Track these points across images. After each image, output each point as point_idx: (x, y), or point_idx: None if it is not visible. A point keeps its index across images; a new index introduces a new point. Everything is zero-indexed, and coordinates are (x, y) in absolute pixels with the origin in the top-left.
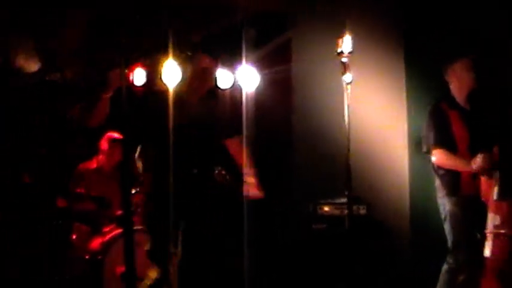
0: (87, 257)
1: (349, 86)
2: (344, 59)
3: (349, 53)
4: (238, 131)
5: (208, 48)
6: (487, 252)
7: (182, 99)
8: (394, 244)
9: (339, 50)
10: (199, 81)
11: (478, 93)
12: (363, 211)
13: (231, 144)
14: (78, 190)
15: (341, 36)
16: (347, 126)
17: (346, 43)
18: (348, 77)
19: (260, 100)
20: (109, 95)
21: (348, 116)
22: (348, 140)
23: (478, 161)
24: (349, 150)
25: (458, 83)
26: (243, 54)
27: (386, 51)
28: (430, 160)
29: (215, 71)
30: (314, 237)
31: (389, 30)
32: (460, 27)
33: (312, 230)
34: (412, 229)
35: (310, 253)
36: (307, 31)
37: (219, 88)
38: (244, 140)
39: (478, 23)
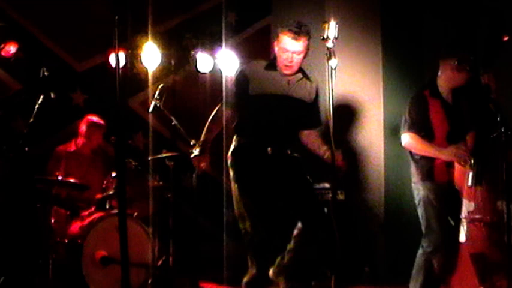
0: (66, 241)
1: (334, 72)
2: (329, 45)
3: (335, 38)
4: None
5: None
6: (463, 237)
7: None
8: (370, 229)
9: (324, 35)
10: None
11: (460, 88)
12: (341, 196)
13: None
14: (57, 173)
15: (326, 21)
16: (331, 112)
17: (331, 29)
18: (333, 63)
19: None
20: None
21: (332, 100)
22: (332, 126)
23: (454, 151)
24: (333, 136)
25: (447, 77)
26: (223, 38)
27: (364, 37)
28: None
29: None
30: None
31: (367, 14)
32: (437, 14)
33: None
34: (386, 214)
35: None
36: (286, 16)
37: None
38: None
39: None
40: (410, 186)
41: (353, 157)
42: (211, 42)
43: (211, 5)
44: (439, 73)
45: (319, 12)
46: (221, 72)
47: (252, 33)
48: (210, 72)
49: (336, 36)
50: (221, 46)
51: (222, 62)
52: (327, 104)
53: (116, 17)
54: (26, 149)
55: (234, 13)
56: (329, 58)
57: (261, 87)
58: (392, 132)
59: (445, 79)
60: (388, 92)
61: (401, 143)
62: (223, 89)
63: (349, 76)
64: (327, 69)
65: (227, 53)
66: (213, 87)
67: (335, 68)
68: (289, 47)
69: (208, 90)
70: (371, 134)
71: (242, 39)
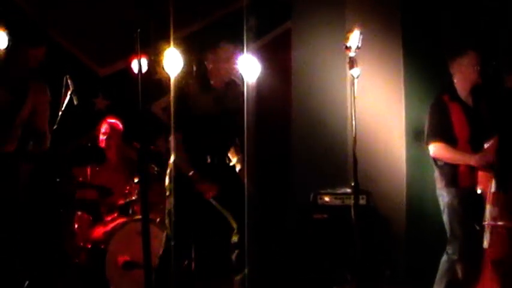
0: (89, 246)
1: (356, 81)
2: (352, 54)
3: (357, 48)
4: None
5: (208, 37)
6: (485, 243)
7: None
8: (391, 233)
9: (347, 45)
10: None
11: (480, 89)
12: (362, 201)
13: None
14: (80, 178)
15: (350, 30)
16: (353, 119)
17: (354, 38)
18: (355, 72)
19: (259, 90)
20: None
21: (354, 109)
22: (355, 132)
23: (482, 158)
24: (355, 142)
25: (462, 77)
26: (244, 43)
27: (385, 42)
28: (428, 151)
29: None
30: (315, 227)
31: (388, 20)
32: (458, 18)
33: (312, 220)
34: (407, 219)
35: (311, 243)
36: (307, 21)
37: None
38: (245, 130)
39: (475, 15)
40: (432, 190)
41: (375, 162)
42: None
43: (231, 10)
44: (454, 74)
45: (340, 17)
46: (242, 78)
47: (272, 38)
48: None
49: (359, 46)
50: (242, 51)
51: (243, 67)
52: (349, 113)
53: (138, 26)
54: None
55: (254, 18)
56: (351, 67)
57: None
58: (414, 137)
59: (462, 79)
60: (409, 98)
61: (423, 148)
62: (245, 94)
63: (370, 83)
64: (348, 79)
65: (248, 58)
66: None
67: (357, 77)
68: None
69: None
70: (393, 139)
71: (262, 44)
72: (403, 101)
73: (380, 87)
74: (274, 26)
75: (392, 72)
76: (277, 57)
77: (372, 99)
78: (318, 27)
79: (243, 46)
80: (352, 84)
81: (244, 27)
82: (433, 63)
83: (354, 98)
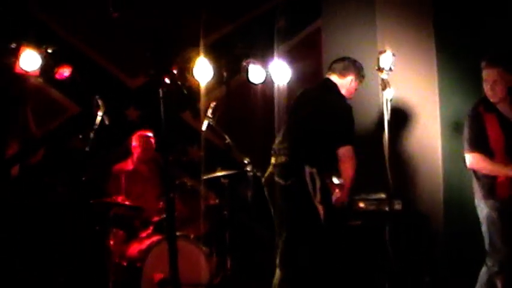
0: (125, 263)
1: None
2: (384, 76)
3: (390, 70)
4: None
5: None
6: None
7: None
8: (429, 239)
9: (380, 65)
10: None
11: None
12: (398, 206)
13: None
14: (116, 194)
15: (382, 51)
16: (387, 132)
17: (386, 59)
18: (388, 93)
19: (290, 91)
20: None
21: (389, 134)
22: (388, 141)
23: None
24: (389, 151)
25: (488, 88)
26: (275, 46)
27: (418, 42)
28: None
29: None
30: (350, 233)
31: (420, 20)
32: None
33: (347, 227)
34: (445, 224)
35: (346, 250)
36: (337, 19)
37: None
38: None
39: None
40: (470, 195)
41: (410, 167)
42: (263, 52)
43: (259, 12)
44: (484, 86)
45: (369, 12)
46: (274, 82)
47: (302, 37)
48: (262, 83)
49: (392, 68)
50: (273, 55)
51: (274, 72)
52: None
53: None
54: (83, 178)
55: (283, 19)
56: (383, 89)
57: None
58: (450, 147)
59: (486, 91)
60: (444, 107)
61: (460, 156)
62: (275, 99)
63: (403, 85)
64: (382, 101)
65: (279, 63)
66: (265, 97)
67: (391, 100)
68: None
69: (261, 101)
70: (428, 145)
71: (293, 44)
72: (437, 103)
73: (413, 89)
74: (303, 26)
75: (426, 69)
76: (307, 57)
77: (406, 103)
78: (348, 25)
79: (273, 49)
80: (386, 105)
81: (275, 29)
82: (468, 75)
83: (389, 121)
